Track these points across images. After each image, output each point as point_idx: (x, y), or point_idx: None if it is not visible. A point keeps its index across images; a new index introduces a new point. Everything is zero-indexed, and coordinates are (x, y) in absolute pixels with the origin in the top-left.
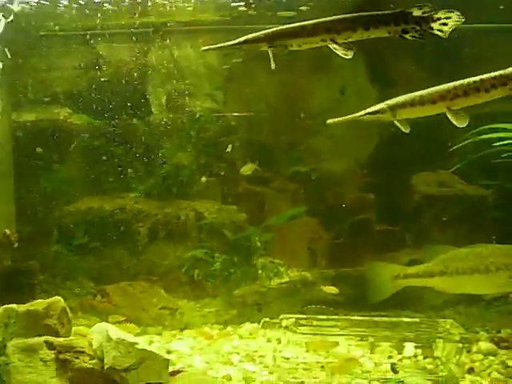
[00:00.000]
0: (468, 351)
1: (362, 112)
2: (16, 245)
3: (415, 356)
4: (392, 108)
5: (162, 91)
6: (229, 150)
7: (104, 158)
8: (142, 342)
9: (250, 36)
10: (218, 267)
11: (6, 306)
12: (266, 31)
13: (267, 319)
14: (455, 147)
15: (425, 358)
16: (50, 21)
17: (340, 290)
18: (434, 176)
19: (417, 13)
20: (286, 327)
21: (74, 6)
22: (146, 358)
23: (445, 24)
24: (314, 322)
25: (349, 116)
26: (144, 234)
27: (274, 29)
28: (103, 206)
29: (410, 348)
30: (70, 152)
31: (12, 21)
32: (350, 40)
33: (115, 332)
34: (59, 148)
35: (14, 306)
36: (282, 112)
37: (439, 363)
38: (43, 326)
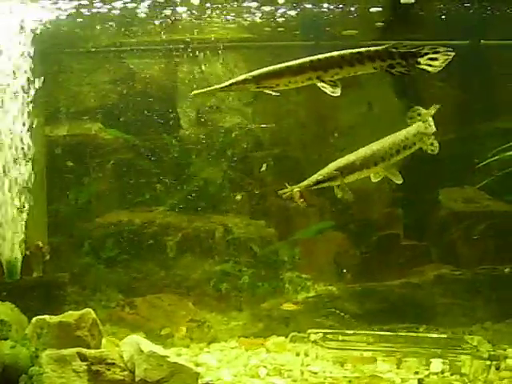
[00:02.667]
0: (497, 368)
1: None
2: (47, 257)
3: (442, 372)
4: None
5: (192, 106)
6: (264, 168)
7: (134, 171)
8: (173, 355)
9: (238, 78)
10: (245, 281)
11: (38, 317)
12: (253, 73)
13: (296, 333)
14: (483, 163)
15: (452, 374)
16: (83, 37)
17: (366, 306)
18: (461, 192)
19: (403, 48)
20: (314, 341)
21: (107, 22)
22: (176, 371)
23: (434, 59)
24: (341, 337)
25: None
26: (173, 248)
27: (261, 70)
28: (133, 219)
29: (437, 364)
30: (101, 165)
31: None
32: (337, 77)
33: (146, 345)
34: (90, 162)
35: (46, 317)
36: (310, 127)
37: (467, 380)
38: (75, 337)
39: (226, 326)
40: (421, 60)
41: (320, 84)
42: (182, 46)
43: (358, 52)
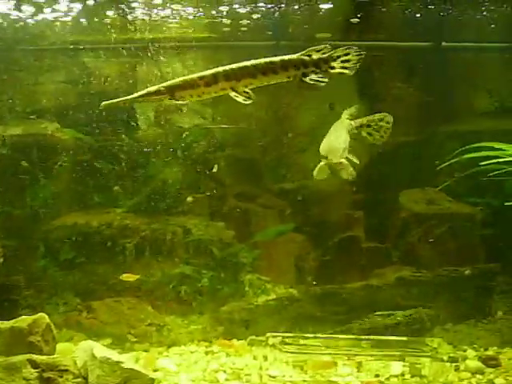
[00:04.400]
0: (456, 369)
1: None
2: (1, 260)
3: (402, 375)
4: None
5: (151, 107)
6: (215, 170)
7: (91, 172)
8: (128, 360)
9: (150, 89)
10: (205, 284)
11: None
12: (166, 83)
13: (254, 337)
14: (442, 166)
15: (412, 376)
16: (36, 35)
17: (327, 308)
18: (422, 193)
19: (316, 55)
20: (273, 345)
21: (62, 19)
22: (131, 377)
23: (347, 61)
24: (301, 341)
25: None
26: (131, 250)
27: (174, 80)
28: (90, 221)
29: (397, 366)
30: (58, 166)
31: None
32: (251, 87)
33: (100, 350)
34: (46, 162)
35: None
36: (270, 129)
37: (426, 382)
38: (27, 343)
39: (185, 329)
40: (335, 64)
41: (233, 94)
42: (141, 45)
43: (271, 61)
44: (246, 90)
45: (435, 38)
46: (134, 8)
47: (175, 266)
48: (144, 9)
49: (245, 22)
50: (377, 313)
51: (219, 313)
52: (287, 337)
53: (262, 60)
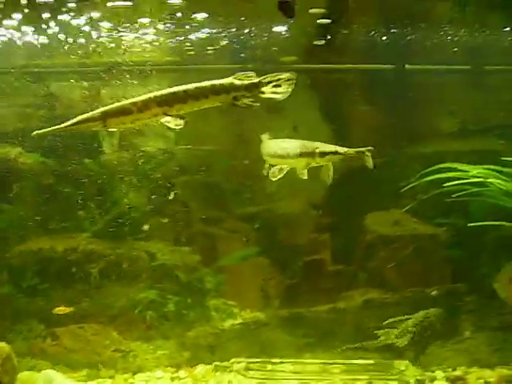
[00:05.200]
0: None
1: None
2: None
3: None
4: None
5: (115, 131)
6: (171, 197)
7: (55, 197)
8: None
9: (83, 116)
10: (171, 309)
11: None
12: (98, 110)
13: (218, 363)
14: (406, 187)
15: None
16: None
17: (294, 332)
18: (388, 215)
19: (247, 80)
20: (237, 371)
21: (25, 43)
22: None
23: (278, 86)
24: (268, 366)
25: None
26: (96, 275)
27: (107, 107)
28: (54, 246)
29: None
30: (21, 191)
31: None
32: (183, 112)
33: (60, 380)
34: (10, 187)
35: None
36: (235, 152)
37: None
38: None
39: (151, 355)
40: (265, 89)
41: (164, 119)
42: (106, 69)
43: (203, 86)
44: (179, 114)
45: (398, 60)
46: (98, 31)
47: (140, 290)
48: (109, 32)
49: (211, 45)
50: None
51: (185, 338)
52: (252, 362)
53: (194, 85)
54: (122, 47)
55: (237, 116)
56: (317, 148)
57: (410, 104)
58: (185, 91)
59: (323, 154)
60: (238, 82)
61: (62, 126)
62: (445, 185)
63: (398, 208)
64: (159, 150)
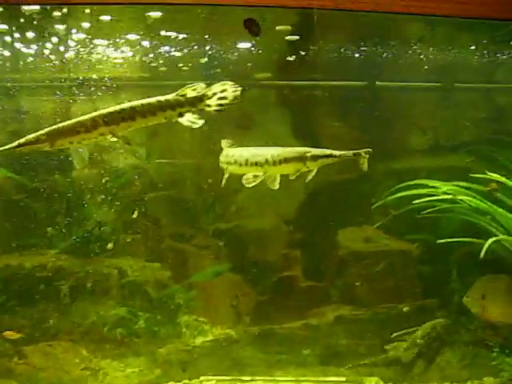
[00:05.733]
0: None
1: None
2: None
3: None
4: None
5: (85, 146)
6: (135, 215)
7: (24, 213)
8: None
9: (30, 136)
10: (141, 325)
11: None
12: (45, 130)
13: (187, 381)
14: (378, 204)
15: None
16: None
17: (266, 349)
18: (360, 232)
19: (191, 94)
20: None
21: None
22: None
23: (224, 98)
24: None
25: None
26: (65, 293)
27: (54, 127)
28: (22, 263)
29: None
30: None
31: None
32: (130, 129)
33: None
34: None
35: None
36: (206, 168)
37: None
38: None
39: (122, 372)
40: (210, 102)
41: (112, 139)
42: (75, 84)
43: (149, 103)
44: (124, 134)
45: (369, 77)
46: (67, 46)
47: (110, 307)
48: (78, 48)
49: (182, 62)
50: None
51: (156, 355)
52: (222, 380)
53: (140, 102)
54: (94, 62)
55: (207, 132)
56: (307, 152)
57: (381, 121)
58: (132, 108)
59: (315, 158)
60: (182, 98)
61: (8, 146)
62: (415, 202)
63: (370, 224)
64: (130, 166)
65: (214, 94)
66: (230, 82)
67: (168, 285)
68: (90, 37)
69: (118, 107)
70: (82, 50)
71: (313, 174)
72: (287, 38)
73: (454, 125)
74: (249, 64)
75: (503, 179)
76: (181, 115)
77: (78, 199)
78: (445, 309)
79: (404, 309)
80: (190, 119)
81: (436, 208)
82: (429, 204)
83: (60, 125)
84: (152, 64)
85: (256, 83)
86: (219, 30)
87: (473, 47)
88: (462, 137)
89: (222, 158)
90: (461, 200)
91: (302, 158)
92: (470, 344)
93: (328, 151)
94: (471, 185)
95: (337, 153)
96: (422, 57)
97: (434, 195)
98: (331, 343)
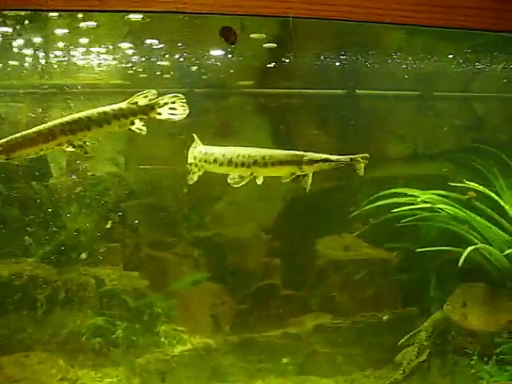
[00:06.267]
0: None
1: None
2: None
3: None
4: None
5: (63, 154)
6: (109, 225)
7: (0, 221)
8: None
9: None
10: (119, 335)
11: None
12: (1, 141)
13: None
14: (357, 212)
15: None
16: None
17: (245, 358)
18: (339, 240)
19: (142, 102)
20: None
21: None
22: None
23: (174, 108)
24: None
25: None
26: (42, 302)
27: (10, 137)
28: None
29: None
30: None
31: None
32: (85, 139)
33: None
34: None
35: None
36: (184, 176)
37: None
38: None
39: (99, 383)
40: (161, 110)
41: (69, 148)
42: (53, 91)
43: (104, 112)
44: (80, 143)
45: (349, 85)
46: (44, 52)
47: (88, 317)
48: (55, 53)
49: (162, 68)
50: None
51: (134, 365)
52: None
53: (95, 110)
54: (71, 69)
55: (185, 139)
56: (304, 155)
57: (360, 129)
58: (88, 118)
59: (312, 162)
60: (135, 106)
61: None
62: (393, 211)
63: (350, 232)
64: (108, 174)
65: (166, 103)
66: (180, 95)
67: (146, 294)
68: (65, 43)
69: (74, 116)
70: (56, 55)
71: (310, 180)
72: (265, 45)
73: (433, 133)
74: (227, 72)
75: (481, 188)
76: (132, 123)
77: (55, 207)
78: (425, 317)
79: (384, 317)
80: (138, 126)
81: (415, 217)
82: (408, 213)
83: (17, 135)
84: (128, 71)
85: (235, 91)
86: (197, 37)
87: (452, 56)
88: (441, 145)
89: (196, 155)
90: (440, 209)
91: (297, 162)
92: (450, 352)
93: (324, 156)
94: (450, 193)
95: (334, 158)
96: (401, 65)
97: (412, 204)
98: (311, 352)
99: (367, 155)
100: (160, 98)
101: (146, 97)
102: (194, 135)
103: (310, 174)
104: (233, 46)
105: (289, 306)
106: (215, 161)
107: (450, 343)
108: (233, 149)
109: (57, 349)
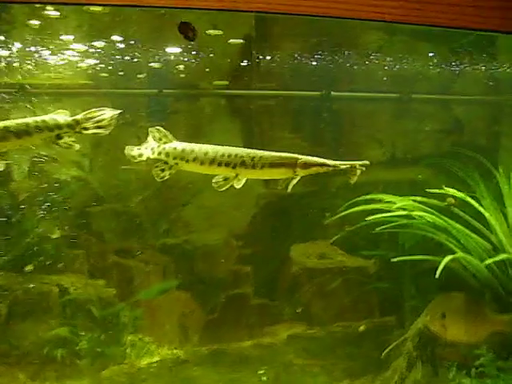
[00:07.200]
0: None
1: None
2: None
3: None
4: None
5: (25, 157)
6: (56, 235)
7: None
8: None
9: None
10: (83, 346)
11: None
12: None
13: None
14: (333, 218)
15: None
16: None
17: (215, 369)
18: (314, 247)
19: (68, 115)
20: None
21: None
22: None
23: (101, 121)
24: None
25: None
26: (1, 312)
27: None
28: None
29: None
30: None
31: None
32: (4, 150)
33: None
34: None
35: None
36: (152, 181)
37: None
38: None
39: None
40: (88, 125)
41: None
42: (13, 91)
43: (26, 123)
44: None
45: (325, 87)
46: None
47: (50, 327)
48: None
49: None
50: None
51: (100, 377)
52: None
53: (15, 121)
54: (31, 67)
55: None
56: (298, 158)
57: (336, 132)
58: (6, 128)
59: (307, 166)
60: (60, 120)
61: None
62: (368, 218)
63: (325, 239)
64: (73, 178)
65: (92, 117)
66: (106, 108)
67: (112, 303)
68: (27, 39)
69: None
70: (19, 53)
71: (295, 181)
72: (231, 41)
73: (411, 137)
74: (196, 71)
75: (461, 194)
76: (59, 137)
77: (17, 212)
78: (402, 327)
79: (360, 327)
80: (66, 141)
81: (392, 224)
82: (385, 219)
83: None
84: (90, 71)
85: (205, 92)
86: (164, 35)
87: (432, 57)
88: (420, 149)
89: (170, 152)
90: (418, 215)
91: (291, 165)
92: (429, 363)
93: (321, 160)
94: (428, 200)
95: (331, 162)
96: (379, 66)
97: (389, 211)
98: (285, 363)
99: (367, 162)
100: (87, 112)
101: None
102: (159, 128)
103: (298, 177)
104: (192, 43)
105: (261, 316)
106: (195, 159)
107: (429, 354)
108: (216, 147)
109: (16, 362)
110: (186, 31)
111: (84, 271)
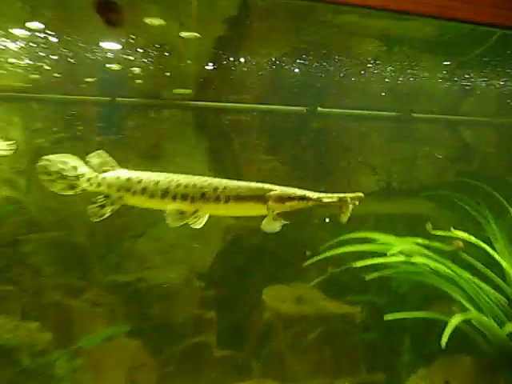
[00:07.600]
0: None
1: None
2: None
3: None
4: None
5: None
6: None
7: None
8: None
9: None
10: None
11: None
12: None
13: None
14: (313, 259)
15: None
16: None
17: None
18: (291, 290)
19: None
20: None
21: None
22: None
23: None
24: None
25: None
26: None
27: None
28: None
29: None
30: None
31: None
32: None
33: None
34: None
35: None
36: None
37: None
38: None
39: None
40: None
41: None
42: None
43: None
44: None
45: (310, 102)
46: None
47: None
48: None
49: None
50: None
51: None
52: None
53: None
54: None
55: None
56: (271, 189)
57: (321, 155)
58: None
59: (282, 200)
60: None
61: None
62: (358, 263)
63: (304, 282)
64: (4, 199)
65: None
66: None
67: (47, 351)
68: None
69: None
70: None
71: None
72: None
73: (411, 163)
74: (159, 78)
75: (471, 238)
76: None
77: None
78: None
79: None
80: None
81: (388, 270)
82: (379, 264)
83: None
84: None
85: (167, 103)
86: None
87: (437, 71)
88: (420, 179)
89: (112, 182)
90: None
91: (262, 198)
92: None
93: (300, 192)
94: (430, 242)
95: (313, 195)
96: (374, 81)
97: (383, 254)
98: None
99: (361, 195)
100: None
101: None
102: (99, 152)
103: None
104: (115, 29)
105: (226, 370)
106: (144, 191)
107: None
108: (170, 175)
109: None
110: (106, 13)
111: (15, 311)
